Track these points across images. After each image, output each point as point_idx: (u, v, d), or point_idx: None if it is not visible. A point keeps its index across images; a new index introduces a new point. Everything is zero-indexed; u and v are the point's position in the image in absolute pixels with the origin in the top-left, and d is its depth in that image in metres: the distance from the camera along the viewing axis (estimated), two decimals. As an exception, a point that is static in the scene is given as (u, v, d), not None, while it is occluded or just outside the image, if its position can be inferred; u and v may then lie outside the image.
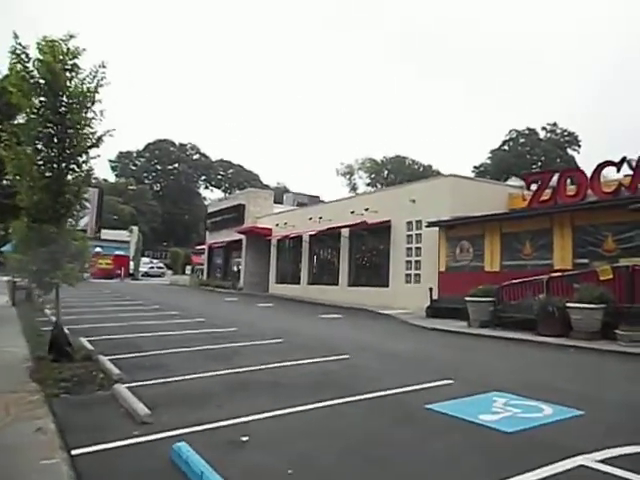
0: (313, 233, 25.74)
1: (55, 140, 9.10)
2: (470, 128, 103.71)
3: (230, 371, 7.97)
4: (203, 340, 11.12)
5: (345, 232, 23.79)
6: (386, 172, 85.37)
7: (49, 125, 8.87)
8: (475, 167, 71.85)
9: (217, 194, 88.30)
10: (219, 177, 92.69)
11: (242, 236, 32.07)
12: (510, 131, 71.56)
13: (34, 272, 9.05)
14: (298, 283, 27.56)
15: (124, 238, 54.29)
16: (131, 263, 50.04)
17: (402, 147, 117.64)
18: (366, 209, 22.05)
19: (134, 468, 4.26)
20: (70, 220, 9.87)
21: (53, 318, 14.66)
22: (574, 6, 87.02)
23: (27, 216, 9.19)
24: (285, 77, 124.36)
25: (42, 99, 8.79)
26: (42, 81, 8.56)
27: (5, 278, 32.94)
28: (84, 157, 9.55)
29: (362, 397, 6.38)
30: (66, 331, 9.26)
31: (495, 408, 5.92)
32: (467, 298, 14.27)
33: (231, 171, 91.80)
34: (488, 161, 71.56)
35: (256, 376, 7.72)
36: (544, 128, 72.00)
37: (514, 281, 13.85)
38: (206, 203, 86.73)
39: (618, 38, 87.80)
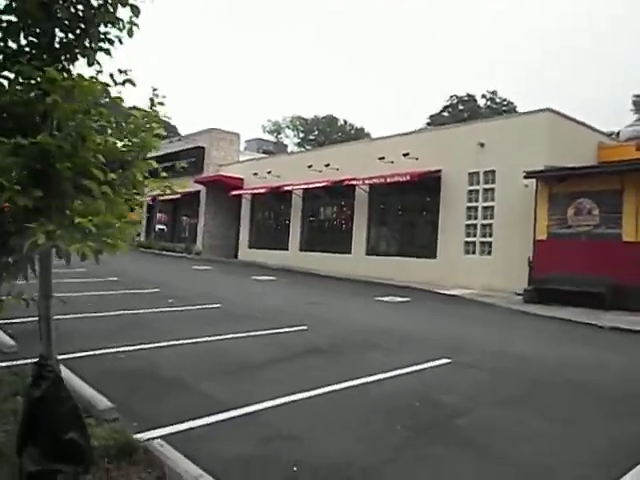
0: (313, 186, 19.80)
1: None
2: (406, 95, 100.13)
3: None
4: (281, 359, 6.10)
5: (363, 185, 18.20)
6: (316, 131, 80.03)
7: None
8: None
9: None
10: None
11: (201, 187, 25.32)
12: (451, 97, 68.99)
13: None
14: (285, 249, 21.64)
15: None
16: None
17: (334, 109, 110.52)
18: (405, 154, 16.62)
19: None
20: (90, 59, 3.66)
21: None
22: None
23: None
24: (203, 29, 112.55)
25: None
26: None
27: None
28: None
29: None
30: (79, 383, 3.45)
31: None
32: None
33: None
34: (428, 127, 68.54)
35: None
36: (484, 96, 70.30)
37: None
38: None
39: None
